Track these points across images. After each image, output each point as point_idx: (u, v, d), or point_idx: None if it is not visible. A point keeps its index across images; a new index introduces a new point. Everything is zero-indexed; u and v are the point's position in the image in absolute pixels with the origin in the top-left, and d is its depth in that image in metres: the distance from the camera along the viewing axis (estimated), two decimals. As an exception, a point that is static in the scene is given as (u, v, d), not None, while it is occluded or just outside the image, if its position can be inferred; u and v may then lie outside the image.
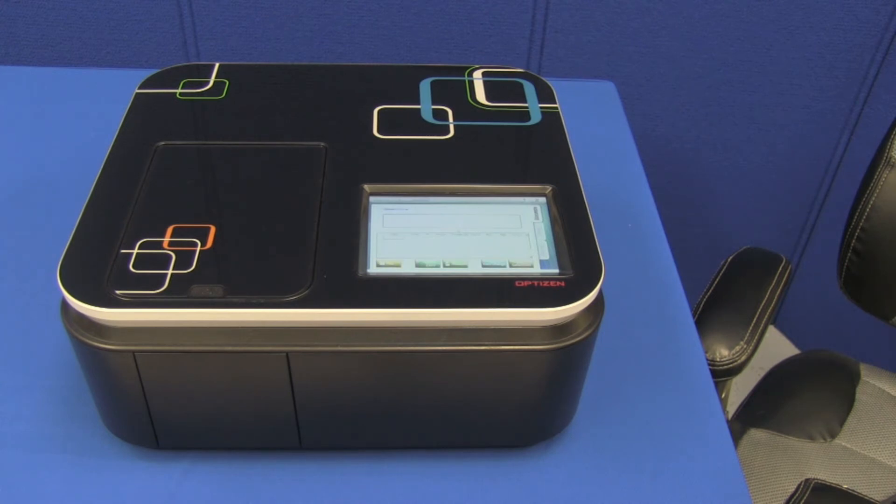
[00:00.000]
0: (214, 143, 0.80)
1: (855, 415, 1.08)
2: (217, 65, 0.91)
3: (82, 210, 0.71)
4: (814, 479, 0.92)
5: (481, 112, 0.85)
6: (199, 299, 0.63)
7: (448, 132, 0.82)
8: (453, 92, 0.88)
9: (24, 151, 1.05)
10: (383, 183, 0.75)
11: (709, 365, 0.86)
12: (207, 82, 0.88)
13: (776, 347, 1.77)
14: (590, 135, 1.09)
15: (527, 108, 0.86)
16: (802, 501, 0.89)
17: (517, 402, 0.70)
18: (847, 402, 1.10)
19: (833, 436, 1.05)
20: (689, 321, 0.88)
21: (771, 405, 1.10)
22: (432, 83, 0.89)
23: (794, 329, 1.80)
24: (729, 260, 1.07)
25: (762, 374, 1.18)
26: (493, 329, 0.65)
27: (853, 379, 1.13)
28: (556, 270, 0.67)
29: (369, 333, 0.64)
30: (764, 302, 1.00)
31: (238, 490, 0.71)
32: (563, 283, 0.65)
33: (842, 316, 1.61)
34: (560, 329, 0.65)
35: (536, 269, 0.67)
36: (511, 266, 0.67)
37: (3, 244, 0.92)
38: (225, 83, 0.88)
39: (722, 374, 0.94)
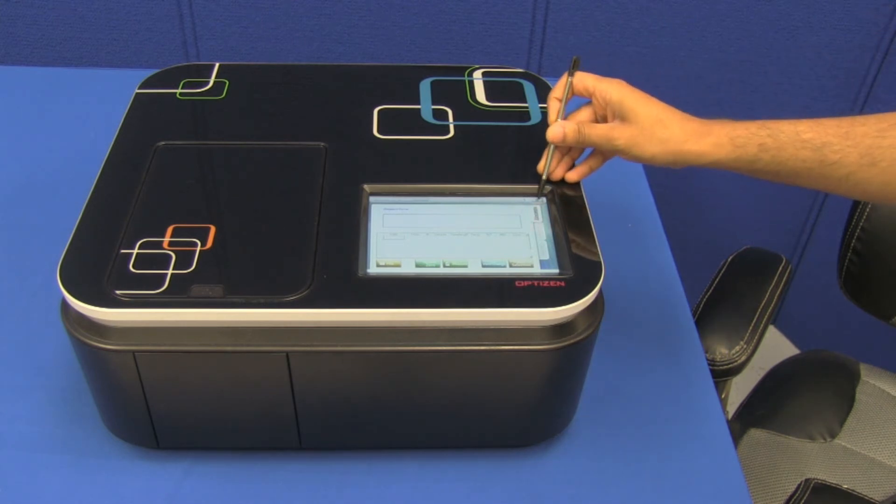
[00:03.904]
0: (214, 143, 0.80)
1: (855, 415, 1.08)
2: (217, 65, 0.91)
3: (82, 210, 0.71)
4: (814, 479, 0.92)
5: (481, 112, 0.85)
6: (199, 299, 0.63)
7: (448, 132, 0.82)
8: (453, 92, 0.88)
9: (24, 151, 1.05)
10: (383, 183, 0.75)
11: (709, 365, 0.86)
12: (207, 82, 0.88)
13: (776, 347, 1.76)
14: (590, 135, 1.08)
15: (527, 108, 0.86)
16: (802, 501, 0.89)
17: (517, 402, 0.70)
18: (847, 402, 1.09)
19: (833, 436, 1.05)
20: (690, 321, 0.88)
21: (771, 405, 1.10)
22: (432, 83, 0.89)
23: (794, 329, 1.80)
24: (729, 260, 1.07)
25: (762, 374, 1.18)
26: (493, 329, 0.65)
27: (853, 379, 1.12)
28: (556, 270, 0.67)
29: (369, 333, 0.64)
30: (764, 302, 1.00)
31: (238, 490, 0.71)
32: (563, 283, 0.65)
33: (842, 316, 1.61)
34: (560, 329, 0.65)
35: (536, 269, 0.67)
36: (511, 266, 0.67)
37: (3, 244, 0.92)
38: (225, 83, 0.88)
39: (722, 374, 0.93)
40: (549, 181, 0.75)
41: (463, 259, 0.68)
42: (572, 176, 0.75)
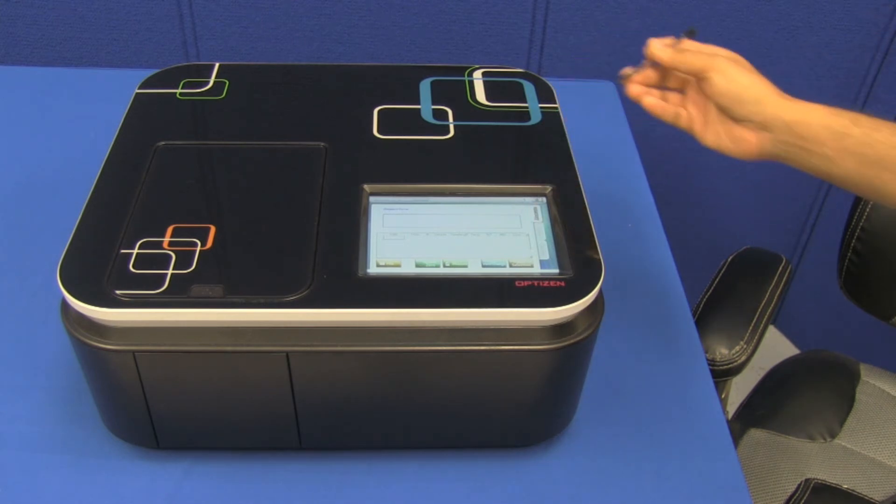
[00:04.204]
0: (214, 143, 0.80)
1: (855, 415, 1.08)
2: (217, 65, 0.91)
3: (82, 210, 0.71)
4: (814, 479, 0.92)
5: (481, 112, 0.85)
6: (199, 299, 0.63)
7: (448, 132, 0.82)
8: (453, 92, 0.88)
9: (24, 151, 1.05)
10: (383, 183, 0.75)
11: (709, 365, 0.86)
12: (207, 82, 0.88)
13: (776, 347, 1.76)
14: (590, 135, 1.08)
15: (527, 108, 0.86)
16: (802, 501, 0.89)
17: (517, 402, 0.70)
18: (847, 402, 1.09)
19: (833, 436, 1.05)
20: (690, 321, 0.88)
21: (771, 405, 1.10)
22: (432, 83, 0.89)
23: (794, 329, 1.79)
24: (729, 260, 1.07)
25: (762, 374, 1.18)
26: (493, 329, 0.65)
27: (853, 379, 1.12)
28: (556, 270, 0.67)
29: (369, 333, 0.64)
30: (764, 302, 1.00)
31: (238, 490, 0.71)
32: (563, 283, 0.65)
33: (842, 316, 1.61)
34: (560, 329, 0.65)
35: (536, 269, 0.67)
36: (511, 266, 0.67)
37: (3, 244, 0.92)
38: (225, 83, 0.88)
39: (722, 374, 0.93)
40: (623, 82, 0.76)
41: (463, 259, 0.68)
42: (648, 101, 0.74)
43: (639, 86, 0.75)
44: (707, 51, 0.72)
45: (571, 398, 0.73)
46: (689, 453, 0.75)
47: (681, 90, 0.75)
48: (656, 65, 0.74)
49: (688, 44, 0.73)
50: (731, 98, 0.68)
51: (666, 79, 0.76)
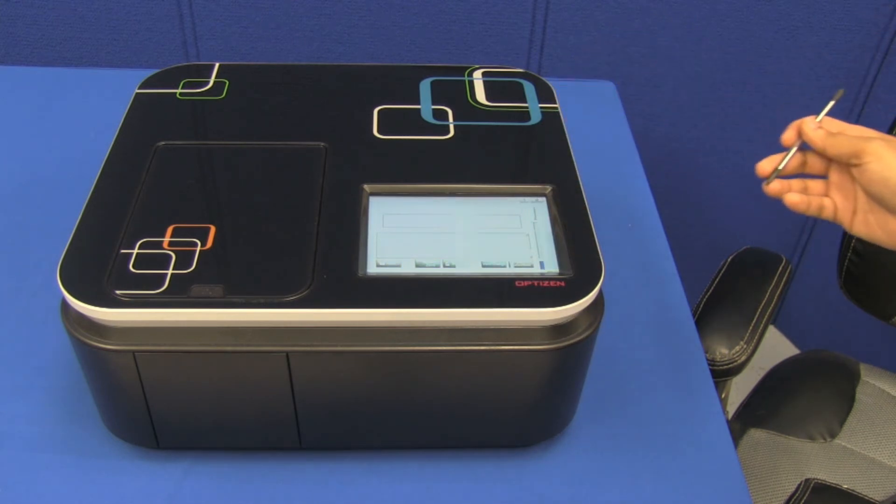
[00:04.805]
0: (214, 143, 0.80)
1: (855, 415, 1.08)
2: (217, 65, 0.91)
3: (82, 210, 0.71)
4: (814, 479, 0.92)
5: (481, 112, 0.85)
6: (199, 299, 0.63)
7: (448, 132, 0.82)
8: (453, 92, 0.88)
9: (24, 151, 1.05)
10: (383, 183, 0.75)
11: (709, 365, 0.86)
12: (207, 82, 0.88)
13: (776, 347, 1.76)
14: (590, 135, 1.08)
15: (527, 108, 0.86)
16: (802, 501, 0.89)
17: (517, 402, 0.70)
18: (847, 402, 1.10)
19: (833, 436, 1.05)
20: (689, 321, 0.88)
21: (771, 405, 1.10)
22: (432, 83, 0.89)
23: (794, 329, 1.80)
24: (729, 260, 1.07)
25: (762, 374, 1.18)
26: (494, 329, 0.65)
27: (853, 379, 1.12)
28: (556, 270, 0.67)
29: (369, 333, 0.64)
30: (764, 302, 1.00)
31: (238, 490, 0.71)
32: (563, 283, 0.65)
33: (842, 316, 1.61)
34: (560, 329, 0.65)
35: (536, 269, 0.67)
36: (511, 266, 0.67)
37: (3, 244, 0.92)
38: (225, 83, 0.88)
39: (722, 374, 0.93)
40: (776, 175, 0.69)
41: (463, 259, 0.68)
42: (791, 199, 0.69)
43: (780, 182, 0.69)
44: (858, 133, 0.66)
45: (571, 398, 0.73)
46: (689, 453, 0.75)
47: (823, 175, 0.69)
48: (802, 147, 0.69)
49: (834, 124, 0.68)
50: (889, 188, 0.62)
51: (806, 163, 0.70)
